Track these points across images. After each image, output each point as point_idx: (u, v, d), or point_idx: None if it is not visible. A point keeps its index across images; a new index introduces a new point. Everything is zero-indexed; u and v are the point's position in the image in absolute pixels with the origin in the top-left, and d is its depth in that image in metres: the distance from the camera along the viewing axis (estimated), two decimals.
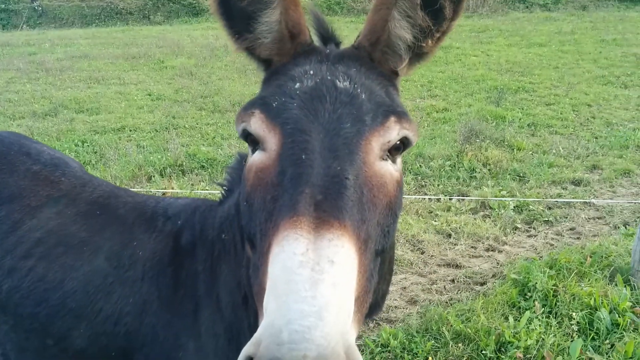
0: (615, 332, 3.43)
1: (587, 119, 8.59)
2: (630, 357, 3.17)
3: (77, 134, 8.14)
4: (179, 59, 14.11)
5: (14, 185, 1.83)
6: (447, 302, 3.97)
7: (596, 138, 7.68)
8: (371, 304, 1.14)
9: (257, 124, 1.10)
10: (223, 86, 11.07)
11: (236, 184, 1.57)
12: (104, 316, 1.57)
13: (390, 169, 1.10)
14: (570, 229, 5.16)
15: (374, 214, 1.01)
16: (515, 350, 3.25)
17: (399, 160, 1.16)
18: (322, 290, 0.80)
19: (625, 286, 3.81)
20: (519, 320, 3.48)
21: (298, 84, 1.13)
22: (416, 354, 3.32)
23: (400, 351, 3.36)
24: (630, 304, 3.63)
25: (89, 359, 1.61)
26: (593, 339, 3.40)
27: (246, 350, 0.80)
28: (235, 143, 8.00)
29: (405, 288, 4.26)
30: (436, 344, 3.41)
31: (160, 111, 9.56)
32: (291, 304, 0.78)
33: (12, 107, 9.84)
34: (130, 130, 8.45)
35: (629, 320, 3.49)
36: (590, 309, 3.60)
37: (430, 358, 3.25)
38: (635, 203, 5.51)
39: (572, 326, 3.47)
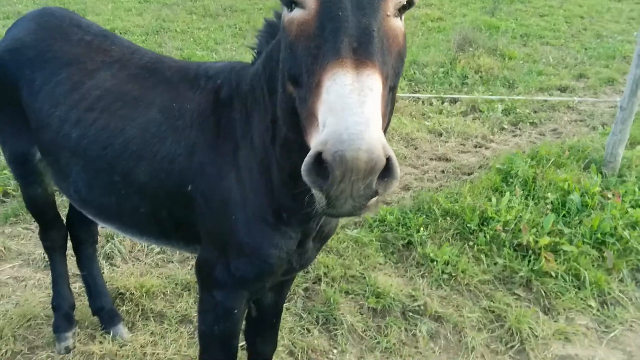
0: (584, 212, 3.88)
1: (579, 30, 8.70)
2: (595, 231, 3.65)
3: None
4: None
5: (70, 52, 2.08)
6: (437, 188, 4.37)
7: (585, 49, 7.86)
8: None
9: None
10: None
11: (264, 46, 1.78)
12: (160, 156, 1.88)
13: (399, 24, 1.36)
14: (553, 130, 5.52)
15: (390, 59, 1.30)
16: (496, 224, 3.70)
17: (403, 17, 1.43)
18: (367, 109, 1.10)
19: (597, 174, 4.24)
20: (500, 201, 3.90)
21: None
22: (409, 227, 3.74)
23: (396, 225, 3.78)
24: (600, 189, 4.07)
25: (149, 193, 1.93)
26: (564, 216, 3.85)
27: (315, 147, 1.10)
28: (230, 47, 7.95)
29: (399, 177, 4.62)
30: (427, 219, 3.83)
31: (149, 14, 9.31)
32: (347, 117, 1.08)
33: None
34: (120, 33, 8.24)
35: (597, 201, 3.94)
36: (564, 192, 4.03)
37: (422, 229, 3.69)
38: (611, 103, 5.84)
39: (547, 206, 3.91)
